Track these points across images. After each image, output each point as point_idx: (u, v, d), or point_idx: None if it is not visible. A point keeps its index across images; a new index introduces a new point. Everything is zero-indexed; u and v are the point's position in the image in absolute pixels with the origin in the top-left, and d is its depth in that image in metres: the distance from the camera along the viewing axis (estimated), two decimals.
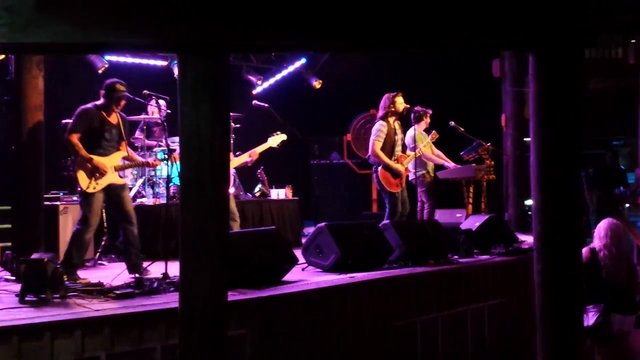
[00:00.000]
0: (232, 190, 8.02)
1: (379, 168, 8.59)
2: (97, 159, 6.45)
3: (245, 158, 8.13)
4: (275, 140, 8.26)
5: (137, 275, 6.09)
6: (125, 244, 6.66)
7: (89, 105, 6.60)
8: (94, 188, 6.43)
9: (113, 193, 6.55)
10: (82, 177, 6.41)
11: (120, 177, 6.78)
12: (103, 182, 6.48)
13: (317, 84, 12.68)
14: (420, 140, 9.20)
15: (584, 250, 6.55)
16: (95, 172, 6.43)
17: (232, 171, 7.83)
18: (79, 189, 6.45)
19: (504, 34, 4.30)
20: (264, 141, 8.26)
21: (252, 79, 12.58)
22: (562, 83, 4.30)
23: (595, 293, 6.49)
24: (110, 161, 6.56)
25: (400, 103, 8.68)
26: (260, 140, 8.34)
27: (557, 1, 4.22)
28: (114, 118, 6.64)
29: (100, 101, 6.62)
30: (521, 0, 4.22)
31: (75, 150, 6.44)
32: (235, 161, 8.11)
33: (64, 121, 9.08)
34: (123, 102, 6.66)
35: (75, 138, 6.43)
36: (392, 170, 8.56)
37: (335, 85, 13.05)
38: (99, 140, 6.53)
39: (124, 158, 6.75)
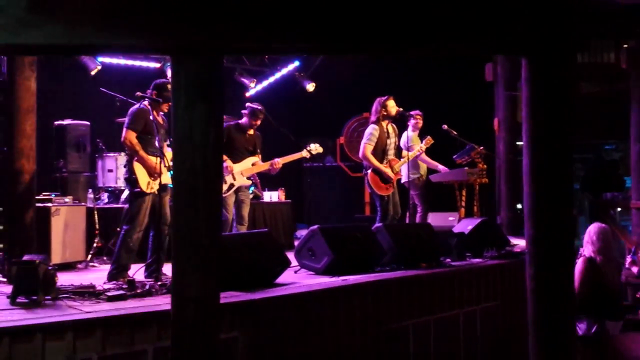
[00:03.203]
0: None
1: (369, 171, 8.61)
2: (153, 159, 6.46)
3: (264, 167, 8.20)
4: (311, 151, 8.43)
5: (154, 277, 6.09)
6: (155, 244, 6.59)
7: (142, 105, 6.59)
8: (152, 188, 6.44)
9: (160, 195, 6.48)
10: (142, 177, 6.42)
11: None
12: (159, 183, 6.46)
13: (310, 86, 12.70)
14: (414, 143, 9.24)
15: (580, 261, 6.51)
16: (154, 173, 6.42)
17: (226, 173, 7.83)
18: (137, 189, 6.42)
19: (496, 38, 4.31)
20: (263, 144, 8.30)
21: (246, 81, 12.58)
22: (554, 87, 4.31)
23: (594, 303, 6.43)
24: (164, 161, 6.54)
25: (392, 107, 8.70)
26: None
27: (549, 6, 4.24)
28: (160, 118, 6.66)
29: (147, 102, 6.59)
30: (514, 5, 4.23)
31: (134, 150, 6.46)
32: (262, 166, 8.19)
33: (56, 122, 9.09)
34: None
35: (133, 137, 6.46)
36: (381, 174, 8.58)
37: (328, 88, 13.06)
38: (152, 140, 6.50)
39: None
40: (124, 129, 6.53)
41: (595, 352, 6.45)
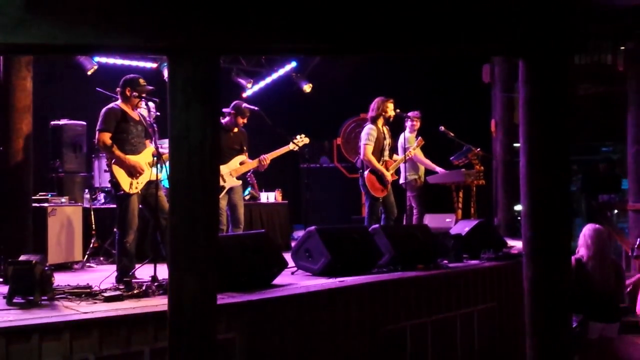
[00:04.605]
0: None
1: (366, 172, 8.60)
2: (131, 158, 6.38)
3: (253, 165, 8.12)
4: (298, 143, 8.33)
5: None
6: (161, 234, 6.59)
7: (111, 105, 6.51)
8: (136, 188, 6.37)
9: (148, 192, 6.46)
10: (123, 179, 6.32)
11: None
12: (143, 180, 6.42)
13: (307, 87, 12.68)
14: (411, 144, 9.25)
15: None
16: (133, 172, 6.35)
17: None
18: (121, 192, 6.33)
19: (493, 39, 4.31)
20: (257, 145, 8.25)
21: (242, 81, 12.57)
22: (551, 88, 4.31)
23: (576, 301, 6.43)
24: (143, 158, 6.49)
25: (391, 110, 8.70)
26: (251, 143, 8.34)
27: (546, 7, 4.23)
28: (135, 114, 6.57)
29: (119, 100, 6.54)
30: (511, 6, 4.23)
31: (110, 151, 6.34)
32: (251, 164, 8.12)
33: (52, 122, 9.08)
34: (143, 97, 6.55)
35: (107, 138, 6.32)
36: (378, 175, 8.58)
37: (325, 88, 13.05)
38: (128, 138, 6.44)
39: (153, 154, 6.56)
40: (96, 132, 6.40)
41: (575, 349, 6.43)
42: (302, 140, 8.40)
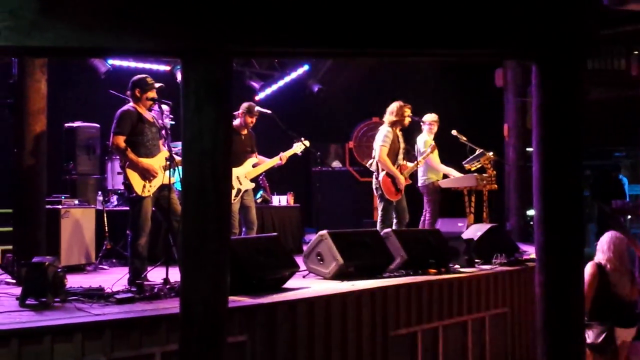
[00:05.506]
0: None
1: (382, 174, 8.56)
2: (145, 161, 6.34)
3: (275, 161, 8.23)
4: (299, 147, 8.38)
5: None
6: (174, 237, 6.54)
7: (126, 106, 6.45)
8: (149, 191, 6.33)
9: (161, 195, 6.44)
10: (136, 181, 6.28)
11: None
12: (156, 184, 6.38)
13: (319, 90, 12.71)
14: (428, 148, 9.23)
15: (590, 265, 6.52)
16: (147, 175, 6.31)
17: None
18: (134, 194, 6.30)
19: (506, 43, 4.30)
20: (269, 148, 8.28)
21: (255, 85, 12.59)
22: (564, 93, 4.29)
23: (602, 309, 6.43)
24: (157, 162, 6.45)
25: (408, 115, 8.68)
26: (262, 146, 8.37)
27: (559, 11, 4.22)
28: (149, 116, 6.54)
29: (132, 102, 6.49)
30: (524, 10, 4.22)
31: (124, 153, 6.29)
32: (268, 164, 8.21)
33: (66, 125, 9.12)
34: (153, 95, 6.51)
35: (122, 141, 6.28)
36: (394, 178, 8.55)
37: (337, 92, 13.06)
38: (143, 141, 6.40)
39: (167, 158, 6.52)
40: (111, 134, 6.35)
41: (604, 359, 6.43)
42: (302, 143, 8.40)
